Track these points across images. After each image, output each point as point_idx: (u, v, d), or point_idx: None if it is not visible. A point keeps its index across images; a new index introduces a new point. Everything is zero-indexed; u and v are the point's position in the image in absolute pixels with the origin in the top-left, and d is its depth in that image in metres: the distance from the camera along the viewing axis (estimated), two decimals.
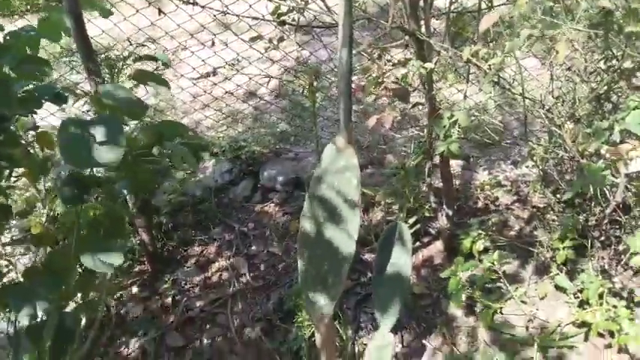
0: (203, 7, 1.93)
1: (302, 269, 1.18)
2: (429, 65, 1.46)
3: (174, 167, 2.55)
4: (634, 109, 1.49)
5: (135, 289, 2.09)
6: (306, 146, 2.76)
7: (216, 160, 2.58)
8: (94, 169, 1.12)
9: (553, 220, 2.22)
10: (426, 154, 1.84)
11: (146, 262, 2.15)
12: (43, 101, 1.27)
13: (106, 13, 1.64)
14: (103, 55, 1.95)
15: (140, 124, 1.54)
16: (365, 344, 1.82)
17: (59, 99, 1.30)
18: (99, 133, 0.89)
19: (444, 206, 2.05)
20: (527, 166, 2.53)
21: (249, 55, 2.95)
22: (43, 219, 1.20)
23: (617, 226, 1.94)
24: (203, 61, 2.70)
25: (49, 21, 1.47)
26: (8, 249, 2.10)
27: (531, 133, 2.62)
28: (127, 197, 1.74)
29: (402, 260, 1.40)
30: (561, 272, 1.94)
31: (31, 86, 1.30)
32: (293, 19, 1.90)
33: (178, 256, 2.23)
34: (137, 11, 2.19)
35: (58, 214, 1.45)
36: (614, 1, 1.30)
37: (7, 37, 1.33)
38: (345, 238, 1.10)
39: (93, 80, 1.73)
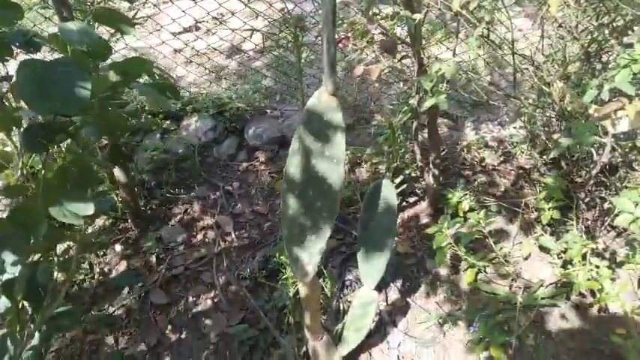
0: None
1: (288, 219, 1.16)
2: (417, 16, 1.40)
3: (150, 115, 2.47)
4: (624, 67, 1.46)
5: (118, 247, 2.07)
6: (292, 104, 2.70)
7: (199, 117, 2.51)
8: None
9: (539, 181, 2.22)
10: (413, 112, 1.80)
11: (129, 220, 2.12)
12: (14, 48, 1.21)
13: None
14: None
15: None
16: (349, 302, 1.83)
17: (31, 45, 1.23)
18: (62, 75, 0.83)
19: (431, 165, 2.03)
20: (514, 127, 2.51)
21: (233, 9, 2.85)
22: (19, 172, 1.15)
23: (603, 188, 1.94)
24: (184, 12, 2.59)
25: None
26: None
27: (520, 92, 2.59)
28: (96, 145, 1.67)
29: (386, 218, 1.38)
30: (546, 233, 1.95)
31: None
32: None
33: (162, 215, 2.20)
34: None
35: (33, 168, 1.40)
36: None
37: None
38: (332, 168, 1.06)
39: (60, 16, 1.64)
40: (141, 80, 1.39)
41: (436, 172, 2.04)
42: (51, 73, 0.84)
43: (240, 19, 2.67)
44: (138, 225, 2.11)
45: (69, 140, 1.01)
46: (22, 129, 0.95)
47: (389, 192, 1.36)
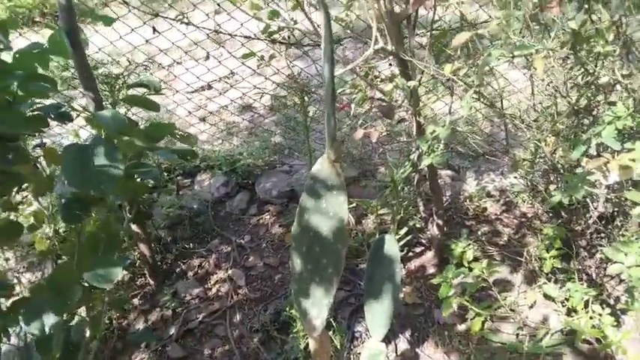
0: (197, 26, 2.00)
1: (296, 275, 1.24)
2: (412, 83, 1.53)
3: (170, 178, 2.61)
4: (609, 124, 1.56)
5: (136, 302, 2.15)
6: (300, 158, 2.82)
7: (213, 173, 2.64)
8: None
9: (541, 230, 2.29)
10: (413, 166, 1.91)
11: (147, 275, 2.21)
12: (49, 120, 1.35)
13: (109, 22, 1.69)
14: (100, 71, 2.02)
15: None
16: (359, 354, 1.87)
17: (64, 117, 1.37)
18: (98, 156, 0.95)
19: (435, 216, 2.11)
20: (515, 176, 2.60)
21: (242, 70, 3.03)
22: (50, 234, 1.25)
23: (603, 235, 2.00)
24: (198, 77, 2.77)
25: (57, 38, 1.54)
26: (12, 262, 2.16)
27: (518, 143, 2.70)
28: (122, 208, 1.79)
29: (390, 270, 1.46)
30: (549, 280, 2.00)
31: (37, 104, 1.37)
32: (283, 37, 1.98)
33: (177, 269, 2.29)
34: (132, 30, 2.26)
35: (59, 230, 1.50)
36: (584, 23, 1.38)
37: (17, 56, 1.39)
38: (335, 227, 1.15)
39: (90, 98, 1.79)
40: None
41: (440, 222, 2.13)
42: (90, 156, 0.96)
43: (250, 83, 2.83)
44: (155, 279, 2.20)
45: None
46: (59, 201, 1.06)
47: (392, 245, 1.44)
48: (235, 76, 3.34)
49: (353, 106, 1.54)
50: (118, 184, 0.93)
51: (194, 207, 2.52)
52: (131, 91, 1.43)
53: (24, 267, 2.03)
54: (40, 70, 1.39)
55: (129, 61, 2.37)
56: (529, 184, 2.45)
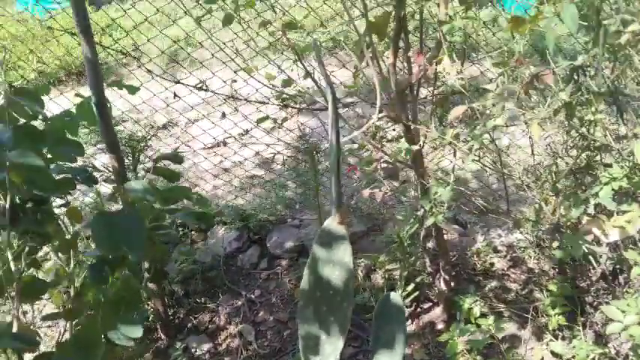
0: (214, 92, 2.14)
1: (304, 332, 1.29)
2: (414, 147, 1.63)
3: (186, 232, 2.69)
4: (605, 185, 1.62)
5: (148, 356, 2.18)
6: (310, 213, 2.90)
7: (226, 229, 2.72)
8: None
9: (546, 286, 2.31)
10: (420, 223, 1.97)
11: (159, 330, 2.25)
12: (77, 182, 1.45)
13: (134, 91, 1.84)
14: (123, 135, 2.15)
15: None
16: None
17: (90, 181, 1.48)
18: (126, 225, 1.05)
19: (442, 272, 2.16)
20: (521, 232, 2.65)
21: (256, 129, 3.18)
22: (71, 291, 1.33)
23: (609, 292, 2.03)
24: (214, 138, 2.91)
25: (85, 107, 1.67)
26: (29, 316, 2.22)
27: (524, 199, 2.76)
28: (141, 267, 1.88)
29: (397, 328, 1.50)
30: (556, 337, 2.01)
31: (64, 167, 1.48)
32: (295, 103, 2.11)
33: (189, 324, 2.33)
34: (154, 95, 2.42)
35: (79, 287, 1.57)
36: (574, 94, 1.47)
37: (48, 122, 1.51)
38: (342, 286, 1.21)
39: (115, 159, 1.91)
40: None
41: (447, 278, 2.16)
42: (118, 224, 1.05)
43: (263, 142, 2.96)
44: (167, 334, 2.24)
45: None
46: (90, 264, 1.14)
47: (397, 303, 1.49)
48: (249, 135, 3.50)
49: (359, 168, 1.63)
50: (144, 248, 1.02)
51: (207, 261, 2.59)
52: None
53: (40, 320, 2.09)
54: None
55: (151, 125, 2.51)
56: (535, 240, 2.50)
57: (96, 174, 1.57)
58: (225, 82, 2.31)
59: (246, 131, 3.62)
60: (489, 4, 1.67)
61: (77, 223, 1.56)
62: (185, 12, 1.80)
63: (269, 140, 3.15)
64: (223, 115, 3.90)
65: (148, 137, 2.03)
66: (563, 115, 1.51)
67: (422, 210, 1.97)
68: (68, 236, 1.53)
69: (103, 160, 2.78)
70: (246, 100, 2.18)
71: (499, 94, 1.34)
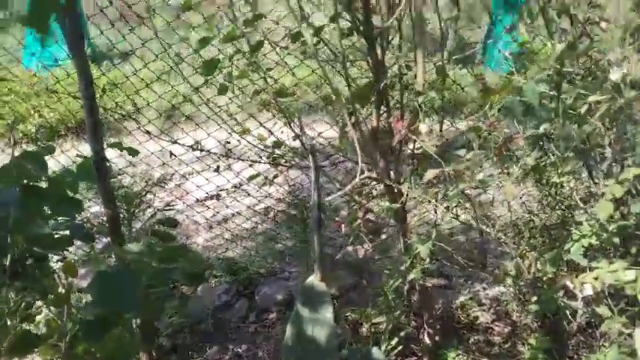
0: (208, 151, 2.26)
1: None
2: (395, 206, 1.73)
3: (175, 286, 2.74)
4: (576, 242, 1.72)
5: None
6: (300, 265, 2.96)
7: (216, 282, 2.77)
8: None
9: (528, 339, 2.36)
10: (403, 278, 2.05)
11: None
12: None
13: (134, 153, 1.94)
14: (120, 191, 2.23)
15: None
16: None
17: (88, 238, 1.55)
18: (123, 284, 1.12)
19: (426, 326, 2.21)
20: (504, 285, 2.72)
21: (249, 185, 3.28)
22: (61, 345, 1.37)
23: (586, 346, 2.08)
24: (207, 193, 2.99)
25: (86, 167, 1.76)
26: None
27: (507, 253, 2.85)
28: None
29: None
30: None
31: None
32: (286, 161, 2.23)
33: None
34: (152, 153, 2.53)
35: (70, 341, 1.60)
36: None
37: (49, 181, 1.59)
38: (324, 341, 1.27)
39: (110, 215, 1.99)
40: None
41: (431, 331, 2.22)
42: (115, 283, 1.12)
43: (255, 197, 3.06)
44: None
45: None
46: (84, 321, 1.20)
47: (378, 358, 1.55)
48: (242, 189, 3.60)
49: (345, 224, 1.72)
50: (140, 307, 1.08)
51: (196, 314, 2.62)
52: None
53: None
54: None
55: (146, 182, 2.61)
56: (517, 293, 2.57)
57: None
58: (219, 141, 2.43)
59: (239, 185, 3.73)
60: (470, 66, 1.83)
61: (72, 277, 1.62)
62: (183, 79, 1.94)
63: (260, 194, 3.25)
64: (217, 169, 4.02)
65: (143, 193, 2.12)
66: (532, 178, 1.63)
67: (404, 264, 2.05)
68: (62, 289, 1.59)
69: (97, 208, 2.86)
70: (239, 158, 2.29)
71: (469, 159, 1.46)
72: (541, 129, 1.42)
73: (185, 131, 2.38)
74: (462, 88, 2.60)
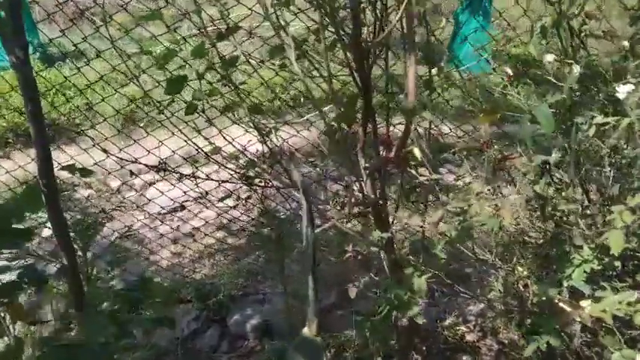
0: (173, 170, 2.04)
1: None
2: (385, 235, 1.58)
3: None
4: (577, 267, 1.61)
5: None
6: (274, 287, 2.78)
7: (183, 308, 2.55)
8: None
9: (520, 358, 2.27)
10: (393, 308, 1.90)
11: None
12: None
13: (87, 173, 1.73)
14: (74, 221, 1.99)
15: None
16: None
17: (40, 282, 1.36)
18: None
19: (414, 352, 2.08)
20: (488, 303, 2.61)
21: (217, 191, 3.06)
22: None
23: None
24: (172, 199, 2.77)
25: (32, 192, 1.55)
26: None
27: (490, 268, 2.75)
28: None
29: None
30: None
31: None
32: (260, 180, 2.03)
33: None
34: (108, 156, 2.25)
35: None
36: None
37: None
38: None
39: (64, 249, 1.75)
40: None
41: (419, 357, 2.09)
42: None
43: (221, 211, 2.85)
44: None
45: None
46: None
47: None
48: (207, 199, 3.37)
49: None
50: None
51: (162, 345, 2.40)
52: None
53: None
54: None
55: (105, 190, 2.35)
56: (502, 310, 2.47)
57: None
58: (185, 159, 2.21)
59: (205, 194, 3.50)
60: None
61: (20, 321, 1.42)
62: (144, 93, 1.72)
63: (228, 207, 3.04)
64: (180, 177, 3.78)
65: (99, 221, 1.89)
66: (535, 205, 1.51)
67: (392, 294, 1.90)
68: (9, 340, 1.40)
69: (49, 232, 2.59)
70: (209, 178, 2.09)
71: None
72: (553, 156, 1.28)
73: (147, 148, 2.14)
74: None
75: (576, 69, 1.14)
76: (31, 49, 3.09)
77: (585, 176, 1.53)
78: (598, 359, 1.86)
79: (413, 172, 1.43)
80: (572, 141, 1.24)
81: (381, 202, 1.64)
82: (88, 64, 1.97)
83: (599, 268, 1.61)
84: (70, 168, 1.68)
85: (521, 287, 1.89)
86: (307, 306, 1.21)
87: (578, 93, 1.41)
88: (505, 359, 2.34)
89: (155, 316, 1.34)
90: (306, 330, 1.16)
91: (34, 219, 2.53)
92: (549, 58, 1.51)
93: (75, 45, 1.83)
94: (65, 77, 2.78)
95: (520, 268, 1.96)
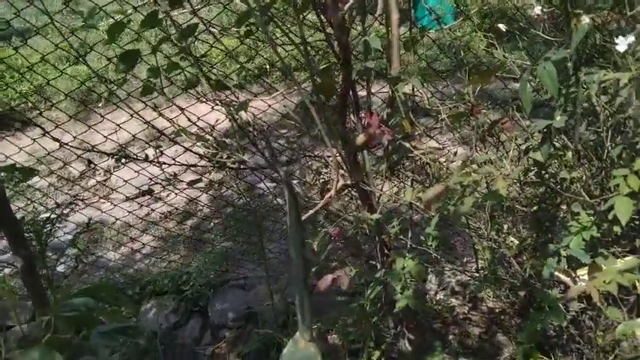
0: (151, 161, 1.87)
1: None
2: (375, 216, 1.45)
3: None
4: (575, 235, 1.52)
5: None
6: (255, 270, 2.65)
7: (159, 301, 2.40)
8: None
9: (511, 326, 2.22)
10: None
11: None
12: None
13: (30, 175, 1.55)
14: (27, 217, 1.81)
15: None
16: None
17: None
18: None
19: (406, 332, 2.00)
20: (472, 274, 2.54)
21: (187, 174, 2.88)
22: None
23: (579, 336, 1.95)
24: (138, 188, 2.58)
25: None
26: None
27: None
28: None
29: None
30: None
31: None
32: (234, 162, 1.87)
33: None
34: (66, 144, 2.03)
35: None
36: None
37: None
38: None
39: (20, 254, 1.57)
40: None
41: (411, 337, 2.01)
42: None
43: (203, 204, 2.68)
44: None
45: None
46: None
47: None
48: (177, 181, 3.19)
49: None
50: None
51: (140, 342, 2.25)
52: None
53: None
54: None
55: (56, 204, 2.15)
56: (491, 277, 2.40)
57: None
58: (148, 143, 2.02)
59: (174, 176, 3.30)
60: None
61: None
62: (96, 75, 1.51)
63: (199, 192, 2.86)
64: (146, 158, 3.57)
65: (55, 219, 1.70)
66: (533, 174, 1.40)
67: (381, 271, 1.80)
68: None
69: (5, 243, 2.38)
70: (180, 164, 1.91)
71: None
72: (558, 119, 1.15)
73: (104, 135, 1.93)
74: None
75: (586, 19, 1.01)
76: None
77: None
78: (594, 325, 1.81)
79: (404, 144, 1.29)
80: (578, 103, 1.12)
81: (366, 180, 1.51)
82: (25, 43, 1.73)
83: (598, 235, 1.53)
84: (9, 168, 1.48)
85: (511, 258, 1.82)
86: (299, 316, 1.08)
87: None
88: (497, 328, 2.29)
89: (118, 326, 1.19)
90: (298, 337, 1.04)
91: None
92: (537, 10, 1.38)
93: (7, 21, 1.59)
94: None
95: (512, 238, 1.89)
